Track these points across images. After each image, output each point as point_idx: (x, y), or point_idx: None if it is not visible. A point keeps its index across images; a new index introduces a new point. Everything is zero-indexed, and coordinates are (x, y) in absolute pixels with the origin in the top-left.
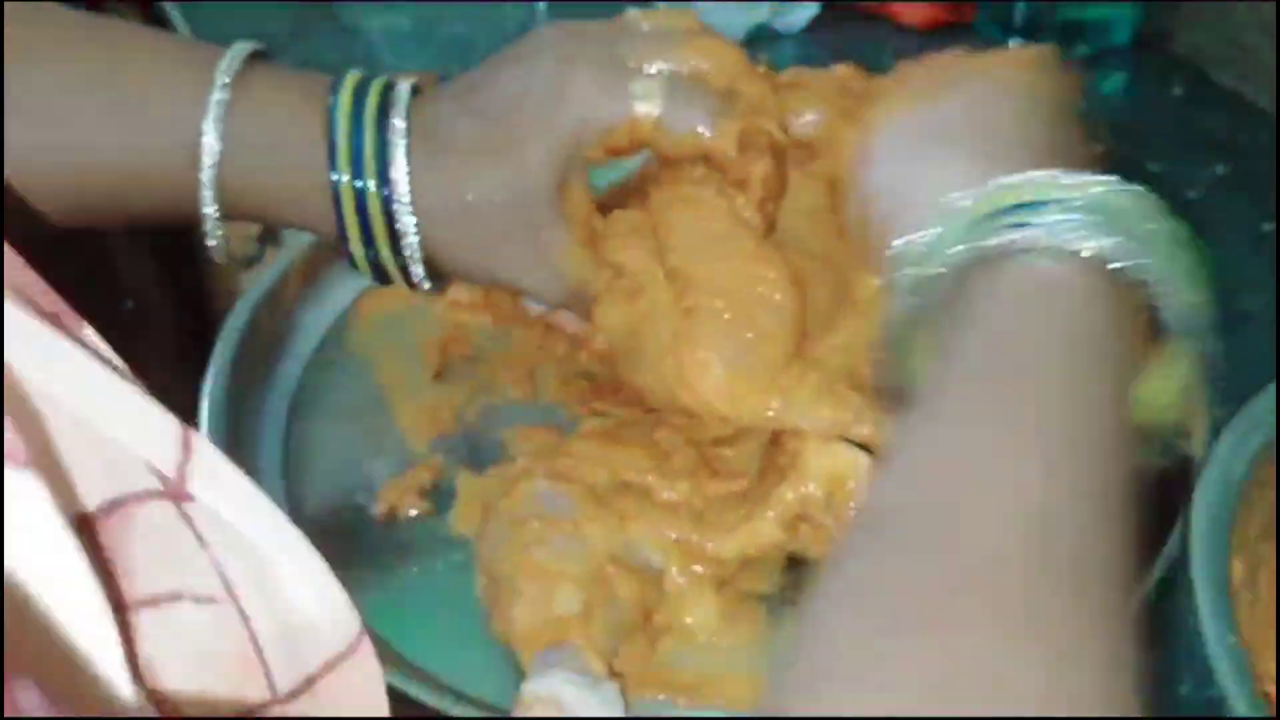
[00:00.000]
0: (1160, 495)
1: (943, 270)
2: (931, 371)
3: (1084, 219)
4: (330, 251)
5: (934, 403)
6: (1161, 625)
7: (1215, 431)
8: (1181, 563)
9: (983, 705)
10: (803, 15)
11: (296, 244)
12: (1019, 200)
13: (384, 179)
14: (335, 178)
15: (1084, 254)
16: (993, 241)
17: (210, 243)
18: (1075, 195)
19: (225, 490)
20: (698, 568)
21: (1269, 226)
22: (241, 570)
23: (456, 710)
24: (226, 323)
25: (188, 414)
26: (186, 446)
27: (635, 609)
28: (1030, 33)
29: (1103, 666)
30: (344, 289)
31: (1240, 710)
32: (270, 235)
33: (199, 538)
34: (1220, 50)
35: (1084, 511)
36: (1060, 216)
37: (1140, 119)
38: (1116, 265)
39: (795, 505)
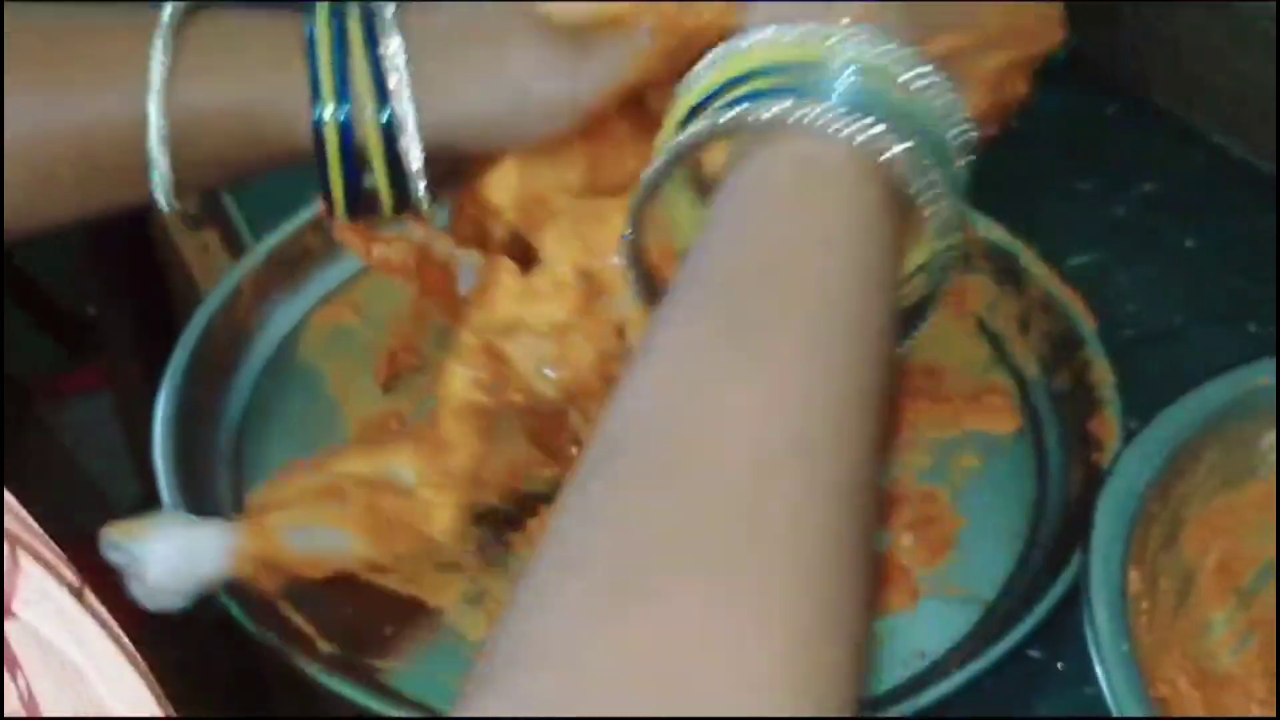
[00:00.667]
0: (1072, 508)
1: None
2: (685, 264)
3: (856, 99)
4: (283, 265)
5: (673, 308)
6: (1068, 632)
7: (1126, 441)
8: (1083, 571)
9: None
10: None
11: (250, 257)
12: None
13: (383, 105)
14: (320, 113)
15: (853, 139)
16: (749, 115)
17: (160, 201)
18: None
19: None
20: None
21: (1191, 244)
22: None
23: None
24: (182, 334)
25: (146, 421)
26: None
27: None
28: None
29: (813, 639)
30: (297, 301)
31: (1130, 713)
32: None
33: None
34: (1158, 72)
35: (819, 446)
36: (837, 84)
37: (1073, 137)
38: (882, 152)
39: (473, 341)
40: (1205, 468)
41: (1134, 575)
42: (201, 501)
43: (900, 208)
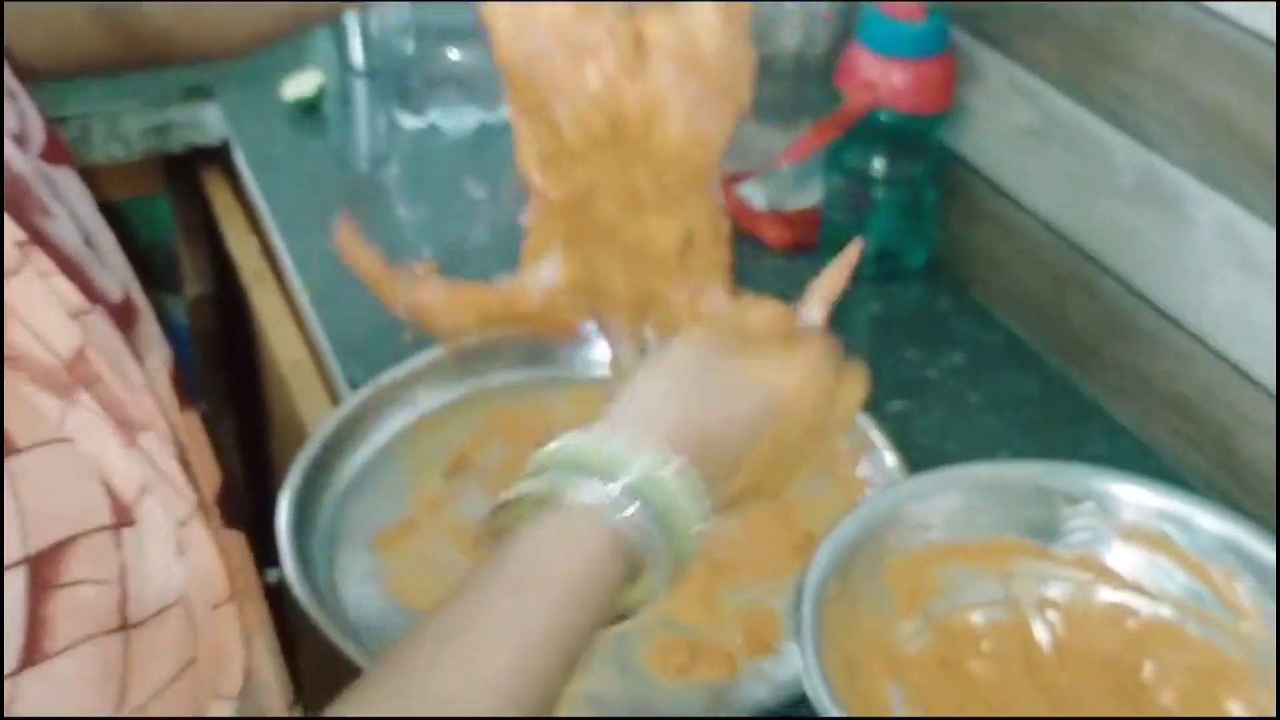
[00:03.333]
0: None
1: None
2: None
3: (631, 500)
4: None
5: (473, 577)
6: None
7: None
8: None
9: None
10: None
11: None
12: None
13: None
14: None
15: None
16: (562, 487)
17: None
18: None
19: None
20: None
21: (976, 398)
22: None
23: None
24: (313, 434)
25: (253, 507)
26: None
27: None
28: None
29: None
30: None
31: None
32: None
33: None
34: (982, 275)
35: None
36: (615, 489)
37: (914, 320)
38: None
39: None
40: (897, 531)
41: (834, 586)
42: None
43: (630, 566)
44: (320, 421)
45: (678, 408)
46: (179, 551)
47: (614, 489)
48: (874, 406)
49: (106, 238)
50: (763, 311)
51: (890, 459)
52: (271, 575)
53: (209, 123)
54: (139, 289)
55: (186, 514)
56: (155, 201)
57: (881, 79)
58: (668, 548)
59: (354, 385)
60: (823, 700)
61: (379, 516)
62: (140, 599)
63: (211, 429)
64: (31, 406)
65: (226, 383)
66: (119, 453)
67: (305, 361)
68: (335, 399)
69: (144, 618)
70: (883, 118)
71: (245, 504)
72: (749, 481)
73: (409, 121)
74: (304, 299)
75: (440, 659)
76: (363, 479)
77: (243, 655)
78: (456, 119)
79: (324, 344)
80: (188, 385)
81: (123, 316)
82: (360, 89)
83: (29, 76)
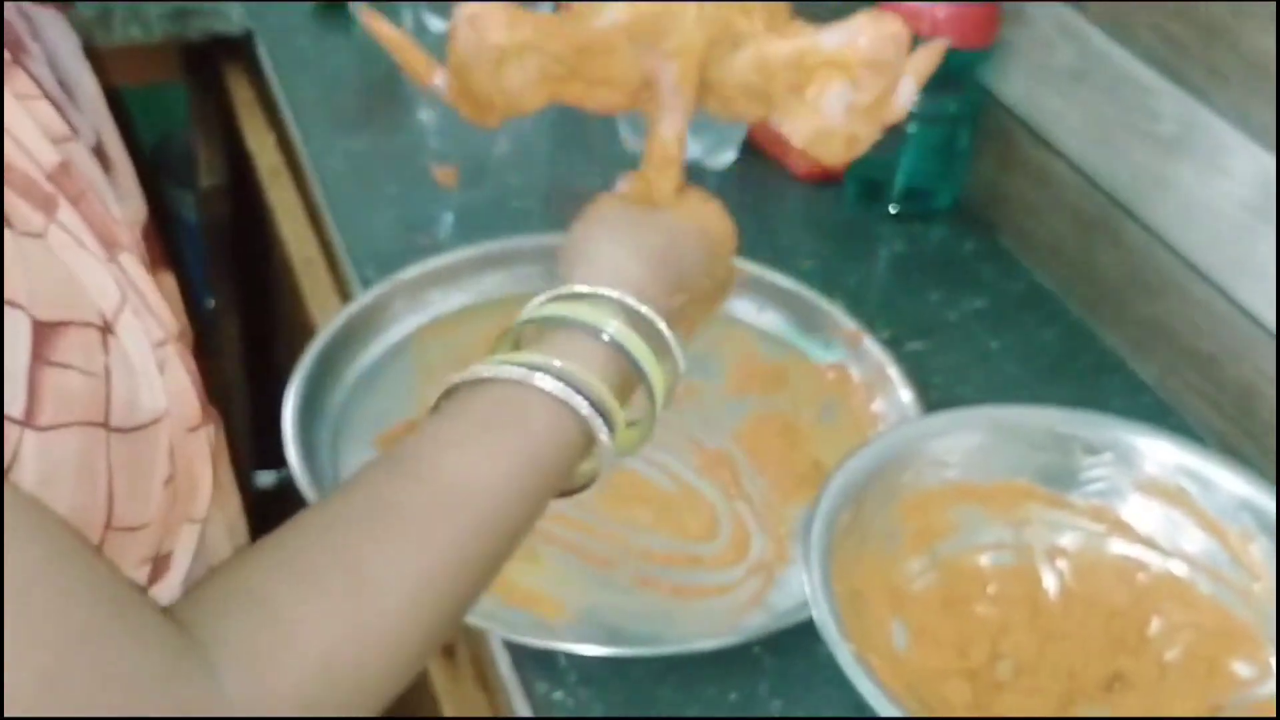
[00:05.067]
0: None
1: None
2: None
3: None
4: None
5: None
6: None
7: None
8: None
9: None
10: (726, 158)
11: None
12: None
13: None
14: None
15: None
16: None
17: None
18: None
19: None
20: None
21: (996, 344)
22: None
23: None
24: (318, 335)
25: (255, 409)
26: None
27: None
28: (877, 191)
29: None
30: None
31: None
32: None
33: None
34: (1010, 220)
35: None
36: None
37: (937, 261)
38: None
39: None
40: (914, 468)
41: (845, 518)
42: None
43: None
44: (330, 317)
45: (639, 265)
46: (159, 370)
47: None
48: (892, 344)
49: (87, 84)
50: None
51: (906, 396)
52: (264, 478)
53: (231, 12)
54: (117, 143)
55: (163, 337)
56: (171, 90)
57: (925, 10)
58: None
59: (366, 286)
60: (829, 629)
61: (383, 416)
62: (125, 406)
63: (218, 326)
64: (19, 211)
65: (235, 279)
66: (99, 267)
67: (318, 260)
68: (347, 298)
69: (128, 426)
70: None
71: (246, 402)
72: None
73: (436, 23)
74: (320, 196)
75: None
76: (370, 378)
77: (209, 481)
78: None
79: (338, 242)
80: (164, 251)
81: (97, 160)
82: None
83: None
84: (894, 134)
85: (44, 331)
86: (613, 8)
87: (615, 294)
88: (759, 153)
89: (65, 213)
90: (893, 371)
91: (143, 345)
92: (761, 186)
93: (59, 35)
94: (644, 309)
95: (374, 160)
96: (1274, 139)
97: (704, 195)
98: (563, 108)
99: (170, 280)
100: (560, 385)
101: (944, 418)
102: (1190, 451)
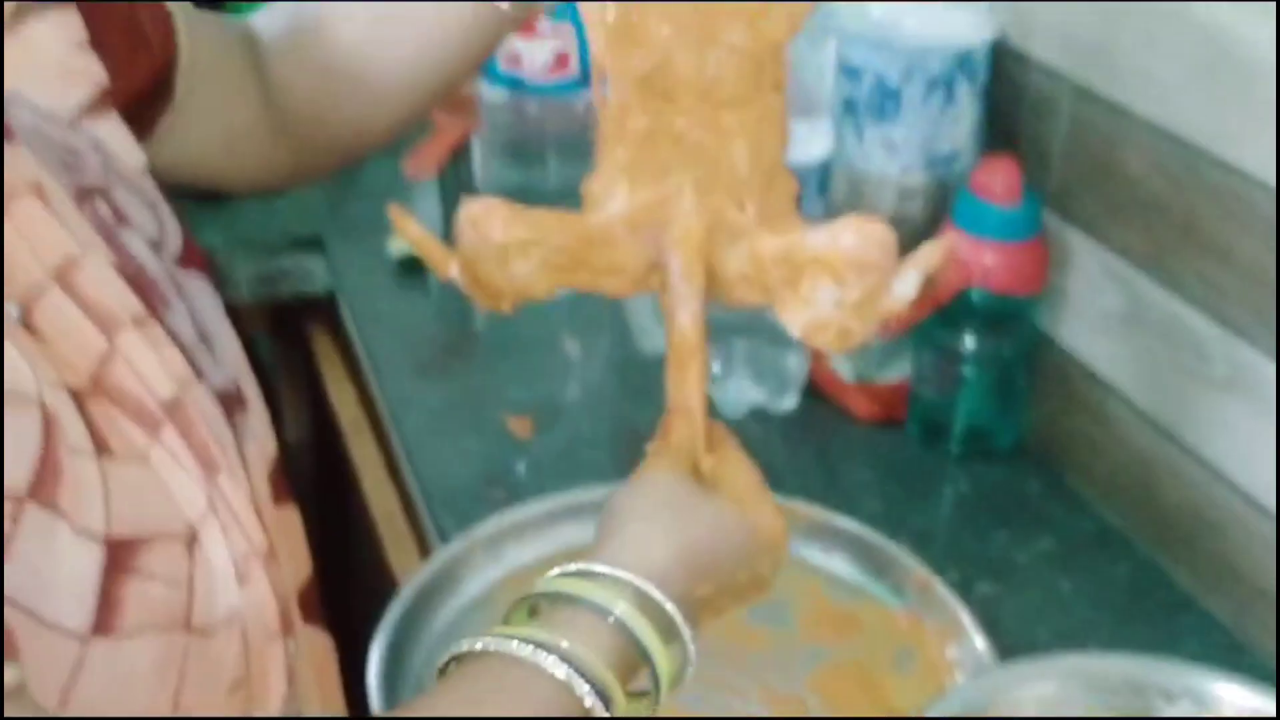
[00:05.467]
0: None
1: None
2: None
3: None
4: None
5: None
6: None
7: None
8: None
9: None
10: (789, 402)
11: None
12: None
13: None
14: None
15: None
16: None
17: None
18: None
19: None
20: None
21: (1067, 585)
22: None
23: None
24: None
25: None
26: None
27: None
28: (939, 432)
29: None
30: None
31: None
32: None
33: None
34: (1073, 459)
35: None
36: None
37: (1003, 501)
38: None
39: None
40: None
41: None
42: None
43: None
44: (412, 572)
45: (667, 550)
46: (240, 581)
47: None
48: (962, 586)
49: (227, 338)
50: (739, 472)
51: (980, 643)
52: None
53: (316, 273)
54: (254, 388)
55: (248, 551)
56: (256, 341)
57: (974, 259)
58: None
59: (444, 538)
60: None
61: None
62: (204, 610)
63: None
64: (123, 431)
65: (315, 532)
66: (194, 484)
67: (398, 513)
68: (426, 551)
69: (206, 627)
70: (974, 297)
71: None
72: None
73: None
74: (399, 449)
75: None
76: (450, 634)
77: (284, 692)
78: None
79: (417, 495)
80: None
81: (228, 402)
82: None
83: (203, 194)
84: (952, 376)
85: (126, 546)
86: (612, 201)
87: (630, 578)
88: (821, 396)
89: (169, 435)
90: (965, 618)
91: (225, 556)
92: (824, 429)
93: (202, 294)
94: (656, 595)
95: (451, 412)
96: None
97: (753, 477)
98: (632, 363)
99: (294, 514)
100: (565, 668)
101: (1020, 668)
102: (1265, 695)
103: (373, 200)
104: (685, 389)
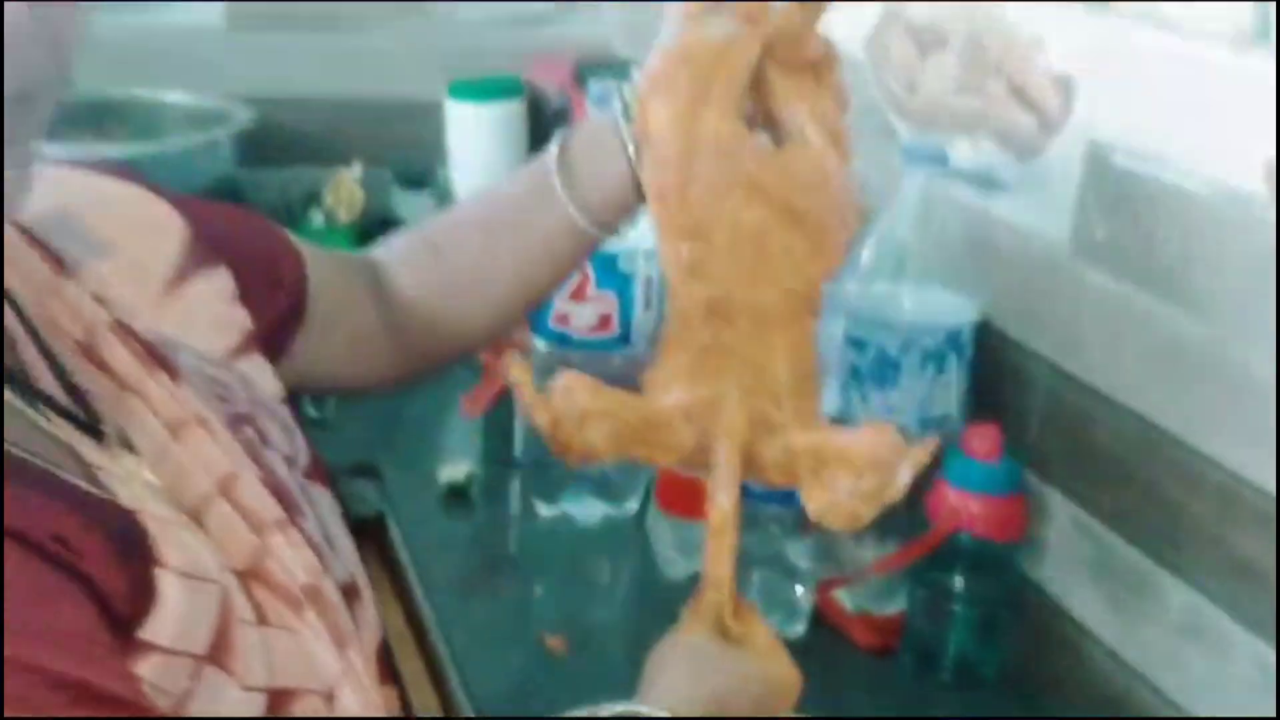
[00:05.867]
0: None
1: None
2: None
3: None
4: None
5: None
6: None
7: None
8: None
9: None
10: (798, 629)
11: None
12: None
13: None
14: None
15: None
16: None
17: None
18: None
19: None
20: None
21: None
22: None
23: None
24: None
25: None
26: None
27: None
28: (931, 661)
29: None
30: None
31: None
32: None
33: None
34: (1047, 690)
35: None
36: None
37: None
38: None
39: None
40: None
41: None
42: None
43: None
44: None
45: (694, 694)
46: None
47: None
48: None
49: (345, 540)
50: (758, 632)
51: None
52: None
53: (369, 497)
54: (365, 582)
55: (375, 710)
56: None
57: (962, 508)
58: None
59: None
60: None
61: None
62: None
63: None
64: (275, 608)
65: None
66: (330, 654)
67: None
68: None
69: None
70: (963, 541)
71: None
72: None
73: (544, 509)
74: (446, 663)
75: None
76: None
77: None
78: (586, 510)
79: (464, 707)
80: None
81: (347, 592)
82: (505, 478)
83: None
84: (943, 611)
85: (281, 695)
86: (670, 393)
87: (662, 714)
88: (826, 625)
89: (309, 615)
90: None
91: (357, 707)
92: (828, 655)
93: (325, 502)
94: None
95: (493, 628)
96: (1272, 631)
97: (772, 638)
98: (656, 587)
99: (393, 692)
100: None
101: None
102: None
103: (423, 430)
104: (719, 560)
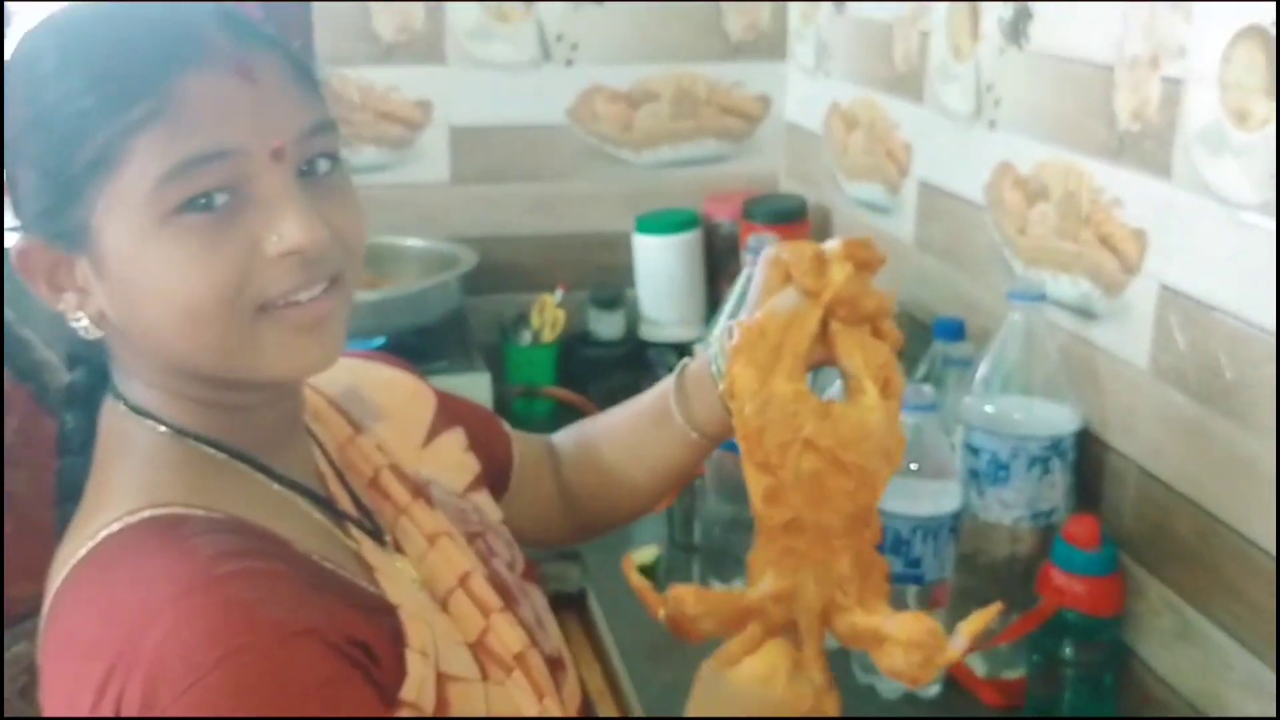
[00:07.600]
0: None
1: None
2: None
3: None
4: None
5: None
6: None
7: None
8: None
9: None
10: (933, 690)
11: None
12: None
13: None
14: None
15: None
16: None
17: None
18: None
19: None
20: None
21: None
22: None
23: None
24: None
25: None
26: None
27: None
28: (1047, 716)
29: None
30: None
31: None
32: None
33: None
34: None
35: None
36: None
37: None
38: None
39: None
40: None
41: None
42: None
43: None
44: None
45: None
46: None
47: None
48: None
49: (553, 625)
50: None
51: None
52: None
53: (571, 576)
54: (568, 654)
55: None
56: None
57: (1068, 587)
58: None
59: None
60: None
61: None
62: None
63: None
64: (493, 671)
65: None
66: (534, 706)
67: None
68: None
69: None
70: (1069, 616)
71: None
72: None
73: (718, 586)
74: (640, 715)
75: None
76: None
77: None
78: None
79: None
80: None
81: (552, 664)
82: (687, 560)
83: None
84: (1056, 676)
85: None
86: (763, 581)
87: None
88: (957, 686)
89: (518, 676)
90: None
91: None
92: (959, 713)
93: (537, 595)
94: None
95: (678, 688)
96: None
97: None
98: None
99: None
100: None
101: None
102: None
103: None
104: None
